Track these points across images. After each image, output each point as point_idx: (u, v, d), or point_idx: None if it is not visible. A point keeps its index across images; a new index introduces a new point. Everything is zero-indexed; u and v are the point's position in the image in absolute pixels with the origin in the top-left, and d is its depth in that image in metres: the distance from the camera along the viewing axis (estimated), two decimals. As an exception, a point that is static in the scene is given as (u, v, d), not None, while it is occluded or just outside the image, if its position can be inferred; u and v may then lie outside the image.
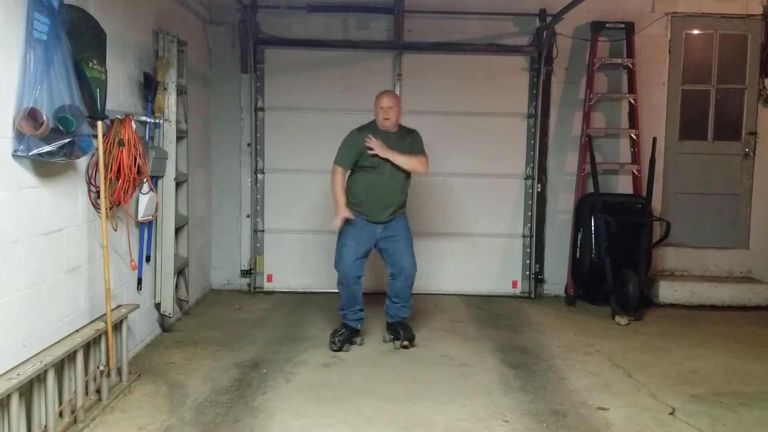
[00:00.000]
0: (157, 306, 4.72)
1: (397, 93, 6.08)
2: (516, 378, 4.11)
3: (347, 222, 4.57)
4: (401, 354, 4.52)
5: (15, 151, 2.90)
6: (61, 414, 3.20)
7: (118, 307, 3.88)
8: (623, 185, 6.24)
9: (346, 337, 4.58)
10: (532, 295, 6.27)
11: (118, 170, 3.70)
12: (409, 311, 4.74)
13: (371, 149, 4.45)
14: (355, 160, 4.51)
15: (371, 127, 4.60)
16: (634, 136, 6.12)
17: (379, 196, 4.53)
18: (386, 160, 4.46)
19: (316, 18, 6.07)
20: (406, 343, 4.59)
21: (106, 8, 3.76)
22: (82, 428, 3.24)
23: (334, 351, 4.50)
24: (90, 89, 3.37)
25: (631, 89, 6.09)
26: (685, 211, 6.34)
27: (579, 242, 5.96)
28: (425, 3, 6.06)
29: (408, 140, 4.64)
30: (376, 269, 4.84)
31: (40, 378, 2.97)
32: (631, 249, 5.72)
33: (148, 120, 4.38)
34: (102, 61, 3.53)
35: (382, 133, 4.54)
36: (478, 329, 5.19)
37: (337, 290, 5.75)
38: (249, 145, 6.18)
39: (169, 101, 4.60)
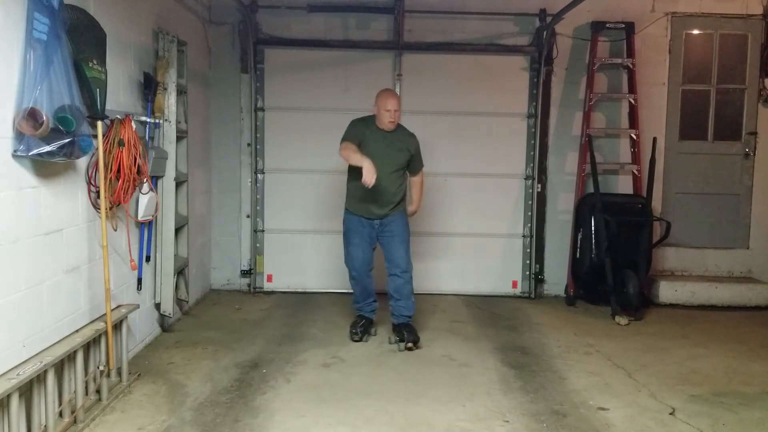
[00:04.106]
0: (157, 306, 4.72)
1: (397, 93, 6.09)
2: (516, 378, 4.10)
3: (348, 222, 4.70)
4: (401, 354, 4.52)
5: (15, 151, 2.90)
6: (61, 414, 3.20)
7: (118, 307, 3.88)
8: (623, 185, 6.24)
9: (365, 327, 4.76)
10: (532, 295, 6.27)
11: (118, 170, 3.70)
12: (412, 309, 4.74)
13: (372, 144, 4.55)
14: (359, 143, 4.49)
15: (370, 122, 4.64)
16: (634, 136, 6.12)
17: (375, 195, 4.57)
18: (382, 157, 4.51)
19: (316, 18, 6.07)
20: (410, 345, 4.58)
21: (106, 8, 3.76)
22: (82, 428, 3.24)
23: (355, 341, 4.67)
24: (90, 89, 3.37)
25: (631, 89, 6.09)
26: (685, 211, 6.34)
27: (579, 242, 5.95)
28: (425, 3, 6.05)
29: (406, 143, 4.67)
30: (377, 269, 4.85)
31: (40, 378, 2.97)
32: (631, 249, 5.71)
33: (148, 120, 4.37)
34: (102, 61, 3.52)
35: (381, 132, 4.59)
36: (478, 329, 5.19)
37: (336, 290, 5.78)
38: (249, 145, 6.18)
39: (169, 101, 4.60)
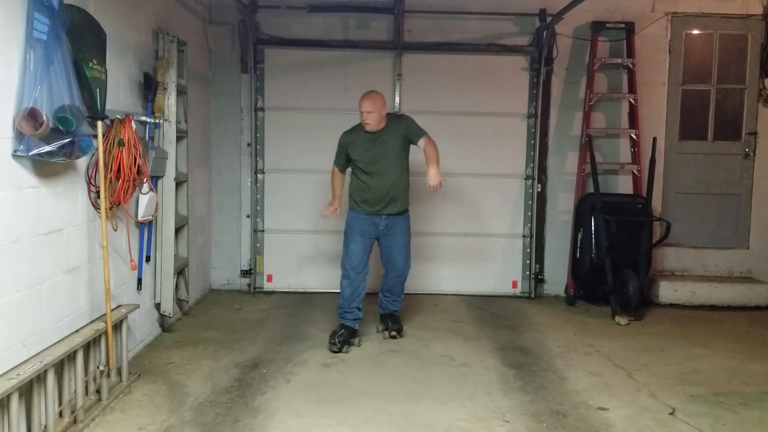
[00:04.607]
0: (157, 306, 4.72)
1: (397, 93, 6.10)
2: (516, 378, 4.11)
3: (352, 220, 4.73)
4: (401, 354, 4.52)
5: (15, 151, 2.90)
6: (61, 414, 3.20)
7: (118, 307, 3.88)
8: (623, 185, 6.24)
9: (345, 338, 4.59)
10: (532, 295, 6.27)
11: (118, 170, 3.70)
12: (400, 305, 4.95)
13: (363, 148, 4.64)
14: (346, 159, 4.72)
15: (357, 128, 4.69)
16: (634, 136, 6.12)
17: (377, 194, 4.62)
18: (379, 157, 4.57)
19: (316, 18, 6.07)
20: (394, 333, 4.81)
21: (106, 8, 3.76)
22: (82, 428, 3.24)
23: (334, 352, 4.51)
24: (90, 89, 3.37)
25: (631, 89, 6.09)
26: (685, 211, 6.34)
27: (579, 242, 5.95)
28: (425, 3, 6.05)
29: (393, 130, 4.62)
30: (374, 270, 4.86)
31: (40, 378, 2.97)
32: (631, 249, 5.71)
33: (148, 120, 4.37)
34: (102, 61, 3.52)
35: (367, 134, 4.61)
36: (478, 329, 5.19)
37: (336, 290, 5.78)
38: (249, 145, 6.18)
39: (169, 101, 4.60)
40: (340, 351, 4.51)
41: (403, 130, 4.62)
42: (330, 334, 4.67)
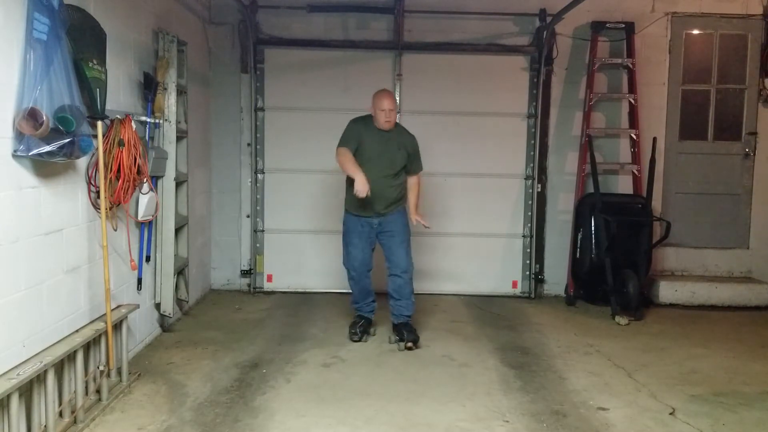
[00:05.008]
0: (157, 306, 4.72)
1: (397, 93, 6.10)
2: (516, 378, 4.11)
3: (347, 223, 4.72)
4: (401, 354, 4.52)
5: (15, 151, 2.90)
6: (61, 414, 3.20)
7: (118, 307, 3.88)
8: (623, 185, 6.24)
9: (364, 327, 4.76)
10: (532, 295, 6.27)
11: (118, 170, 3.70)
12: (412, 309, 4.75)
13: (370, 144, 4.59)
14: (357, 145, 4.57)
15: (367, 121, 4.66)
16: (634, 136, 6.12)
17: (373, 196, 4.55)
18: (379, 157, 4.56)
19: (316, 18, 6.07)
20: (410, 344, 4.59)
21: (106, 8, 3.76)
22: (82, 428, 3.24)
23: (355, 341, 4.67)
24: (90, 89, 3.37)
25: (631, 89, 6.09)
26: (685, 211, 6.34)
27: (579, 242, 5.96)
28: (425, 3, 6.05)
29: (404, 141, 4.68)
30: (376, 269, 4.86)
31: (40, 378, 2.97)
32: (631, 249, 5.71)
33: (148, 120, 4.37)
34: (102, 61, 3.52)
35: (379, 131, 4.60)
36: (478, 329, 5.19)
37: (336, 290, 5.78)
38: (249, 145, 6.18)
39: (169, 101, 4.60)
40: (360, 340, 4.70)
41: (411, 150, 4.71)
42: (350, 324, 4.83)
